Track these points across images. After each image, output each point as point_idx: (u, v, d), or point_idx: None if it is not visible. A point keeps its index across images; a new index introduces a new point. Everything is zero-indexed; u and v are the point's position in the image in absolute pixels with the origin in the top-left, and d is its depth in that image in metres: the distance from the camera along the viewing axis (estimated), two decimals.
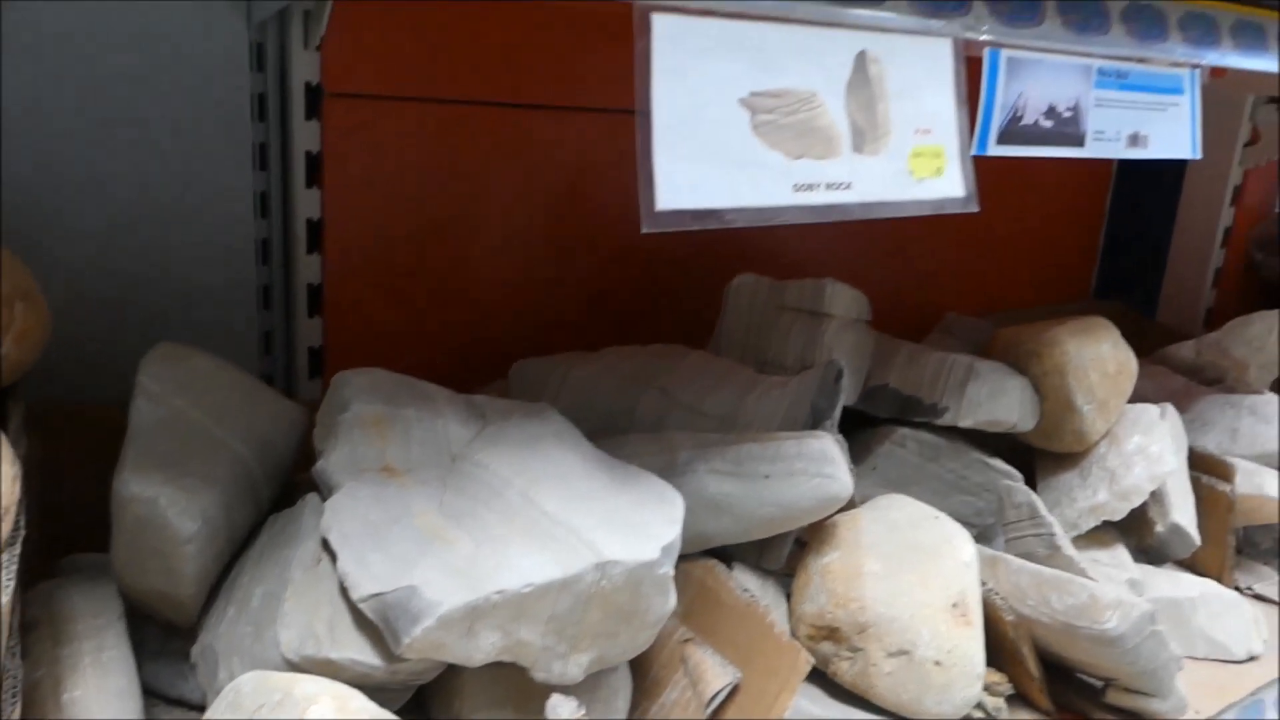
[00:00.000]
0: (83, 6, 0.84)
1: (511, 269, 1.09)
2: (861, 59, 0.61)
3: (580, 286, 1.13)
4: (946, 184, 0.65)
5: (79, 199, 0.88)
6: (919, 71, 0.63)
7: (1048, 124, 0.72)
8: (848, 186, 0.61)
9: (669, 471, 0.76)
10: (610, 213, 1.12)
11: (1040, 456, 1.09)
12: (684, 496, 0.74)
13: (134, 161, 0.89)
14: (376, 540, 0.62)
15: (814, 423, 0.81)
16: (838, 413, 0.82)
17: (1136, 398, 1.27)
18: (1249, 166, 1.58)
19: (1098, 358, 1.03)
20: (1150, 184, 1.64)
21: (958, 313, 1.37)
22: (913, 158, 0.63)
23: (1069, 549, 0.87)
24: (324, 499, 0.67)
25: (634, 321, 1.17)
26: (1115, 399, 1.05)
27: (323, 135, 0.95)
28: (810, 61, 0.59)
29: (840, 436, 0.86)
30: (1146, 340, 1.50)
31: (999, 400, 0.96)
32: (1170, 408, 1.10)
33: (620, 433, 0.87)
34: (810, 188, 0.59)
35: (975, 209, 0.66)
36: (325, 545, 0.63)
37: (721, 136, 0.56)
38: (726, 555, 0.80)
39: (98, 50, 0.85)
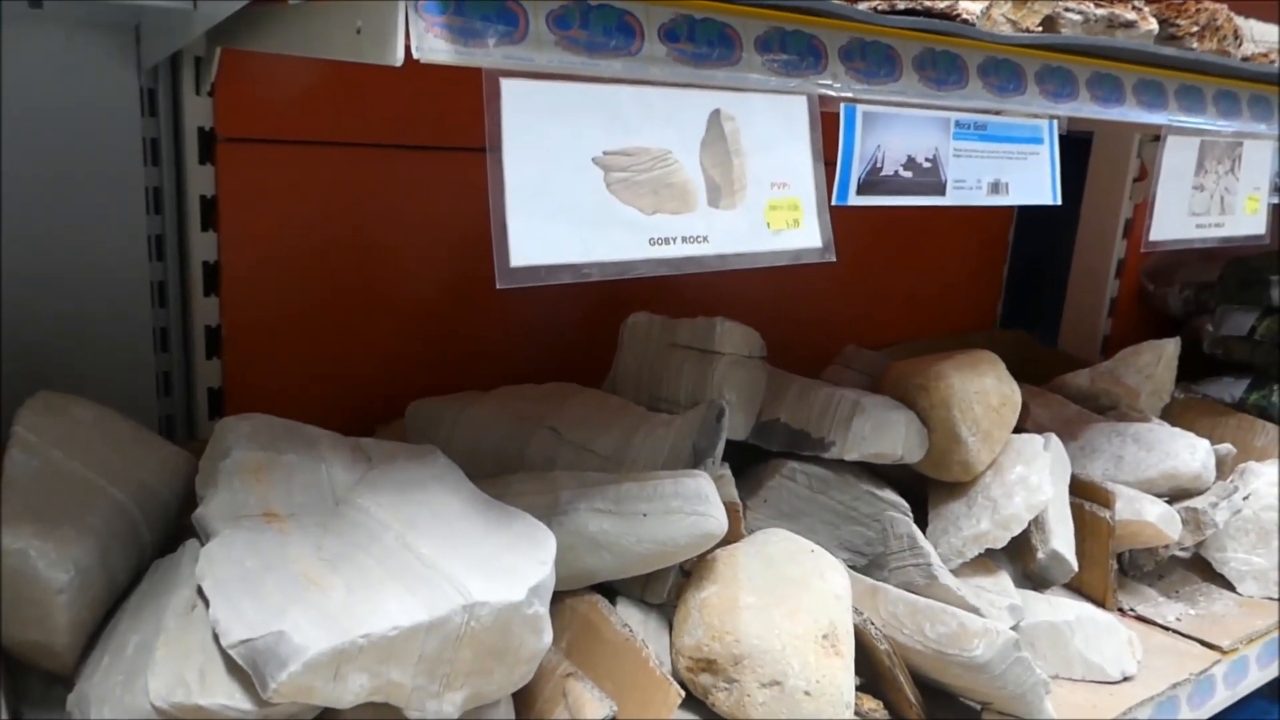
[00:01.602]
0: None
1: (411, 309, 1.10)
2: (716, 117, 0.64)
3: (479, 325, 1.15)
4: (803, 235, 0.68)
5: None
6: (775, 127, 0.67)
7: (907, 174, 0.76)
8: (704, 239, 0.64)
9: (551, 511, 0.78)
10: None
11: (932, 486, 1.13)
12: (565, 535, 0.76)
13: (26, 205, 0.89)
14: (250, 587, 0.63)
15: (695, 461, 0.84)
16: (718, 451, 0.84)
17: (1033, 425, 1.32)
18: (1138, 201, 1.66)
19: (982, 391, 1.08)
20: (1051, 217, 1.70)
21: (861, 344, 1.42)
22: (769, 210, 0.67)
23: (945, 578, 0.91)
24: (203, 545, 0.68)
25: (534, 360, 1.19)
26: (999, 430, 1.09)
27: (217, 179, 0.96)
28: (664, 121, 0.62)
29: (726, 472, 0.89)
30: (1047, 368, 1.56)
31: (884, 434, 1.00)
32: (1054, 438, 1.14)
33: (511, 472, 0.89)
34: (666, 241, 0.62)
35: (832, 259, 0.70)
36: (200, 592, 0.63)
37: (575, 194, 0.58)
38: (611, 589, 0.82)
39: None
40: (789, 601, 0.76)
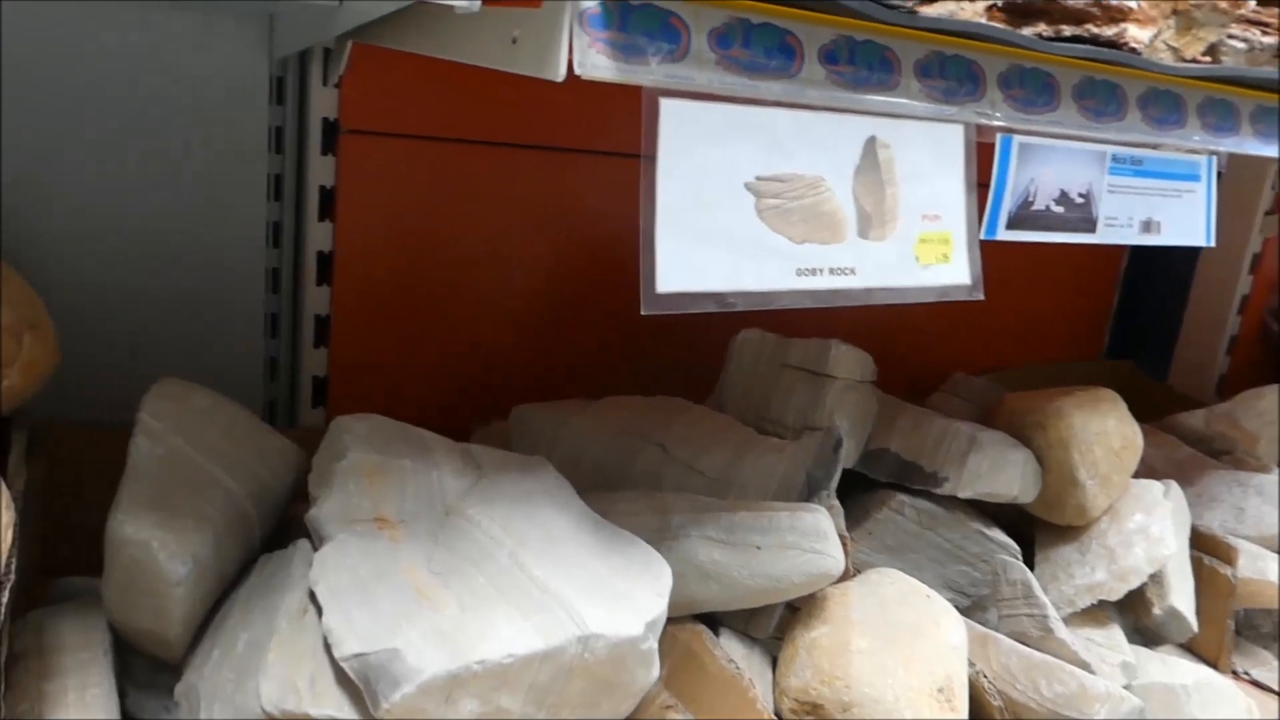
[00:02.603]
0: (110, 34, 0.85)
1: (518, 310, 1.09)
2: (871, 144, 0.61)
3: (586, 331, 1.13)
4: (952, 271, 0.65)
5: (95, 222, 0.89)
6: (929, 156, 0.63)
7: (1059, 209, 0.72)
8: (852, 272, 0.61)
9: (660, 534, 0.76)
10: (620, 258, 1.12)
11: (1041, 527, 1.08)
12: (674, 561, 0.74)
13: (150, 187, 0.90)
14: (363, 596, 0.62)
15: (809, 493, 0.81)
16: (834, 484, 0.81)
17: (1143, 465, 1.26)
18: (1270, 235, 1.57)
19: (1103, 432, 1.03)
20: (1167, 251, 1.62)
21: (965, 370, 1.37)
22: (919, 243, 0.63)
23: (1062, 632, 0.86)
24: (315, 548, 0.67)
25: (638, 369, 1.17)
26: (1119, 475, 1.04)
27: (337, 170, 0.95)
28: (819, 146, 0.59)
29: (836, 503, 0.86)
30: (1156, 404, 1.49)
31: (1000, 473, 0.96)
32: (1175, 486, 1.09)
33: (615, 487, 0.87)
34: (814, 272, 0.59)
35: (980, 297, 0.66)
36: (312, 597, 0.63)
37: (726, 220, 0.56)
38: (714, 619, 0.80)
39: (121, 77, 0.86)
40: (904, 649, 0.73)
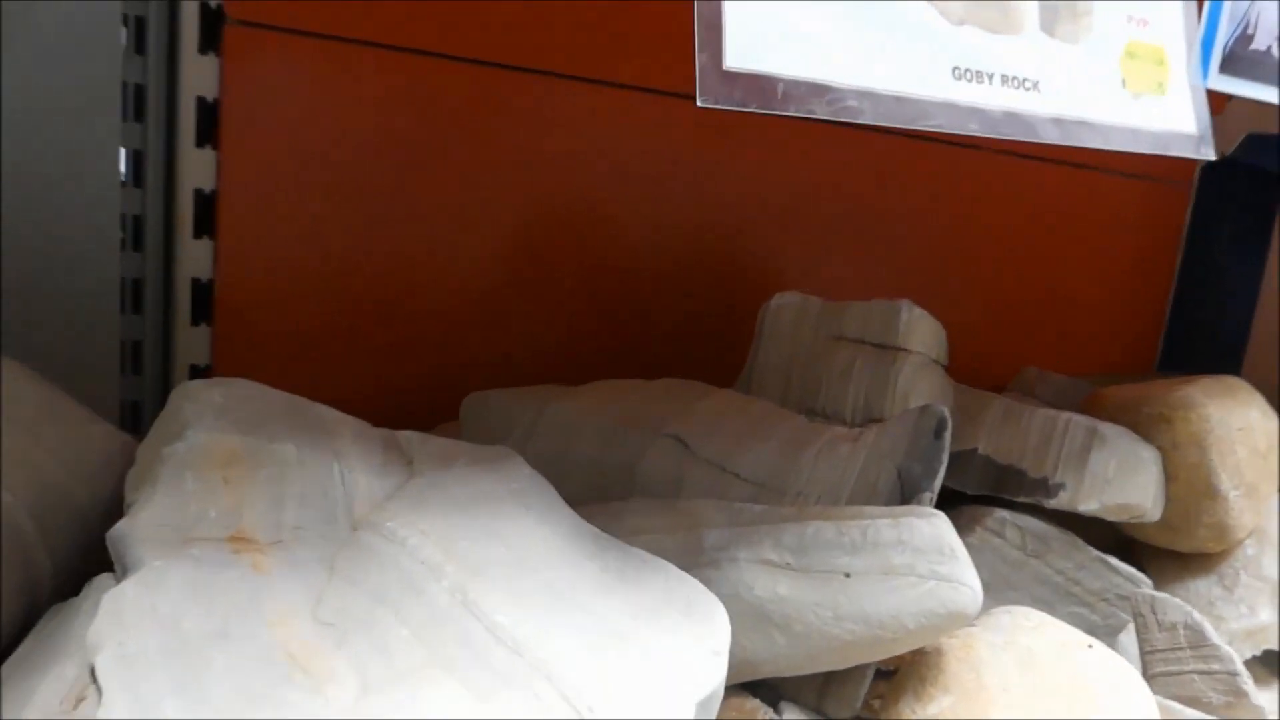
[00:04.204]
0: None
1: (475, 273, 0.83)
2: None
3: (565, 301, 0.87)
4: (1171, 109, 0.40)
5: None
6: None
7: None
8: (1034, 85, 0.36)
9: (691, 557, 0.49)
10: (605, 211, 0.87)
11: (1151, 556, 0.83)
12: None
13: None
14: (186, 670, 0.34)
15: (903, 498, 0.55)
16: (938, 482, 0.56)
17: None
18: None
19: (1246, 428, 0.78)
20: (1230, 243, 1.41)
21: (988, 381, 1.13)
22: (1126, 59, 0.39)
23: (1256, 696, 0.60)
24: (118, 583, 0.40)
25: (633, 351, 0.90)
26: (1266, 484, 0.79)
27: (221, 76, 0.69)
28: None
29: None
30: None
31: (1132, 477, 0.70)
32: None
33: (615, 496, 0.61)
34: (979, 77, 0.34)
35: (1211, 155, 0.41)
36: (92, 675, 0.35)
37: None
38: (773, 687, 0.53)
39: None
40: None
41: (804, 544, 0.48)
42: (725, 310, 0.82)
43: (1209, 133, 0.42)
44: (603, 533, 0.46)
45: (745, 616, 0.48)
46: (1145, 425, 0.79)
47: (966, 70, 0.34)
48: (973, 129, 0.34)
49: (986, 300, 1.23)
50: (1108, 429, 0.73)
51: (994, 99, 0.35)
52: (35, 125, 0.66)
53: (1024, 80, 0.36)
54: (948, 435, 0.56)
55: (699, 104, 0.28)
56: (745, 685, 0.52)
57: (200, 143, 0.70)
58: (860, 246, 1.02)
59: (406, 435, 0.51)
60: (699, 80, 0.28)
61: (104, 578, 0.41)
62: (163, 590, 0.37)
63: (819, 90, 0.30)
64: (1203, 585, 0.79)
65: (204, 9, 0.69)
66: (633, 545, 0.51)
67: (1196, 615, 0.65)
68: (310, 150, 0.74)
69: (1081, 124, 0.37)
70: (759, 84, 0.29)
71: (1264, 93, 0.48)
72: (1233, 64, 0.47)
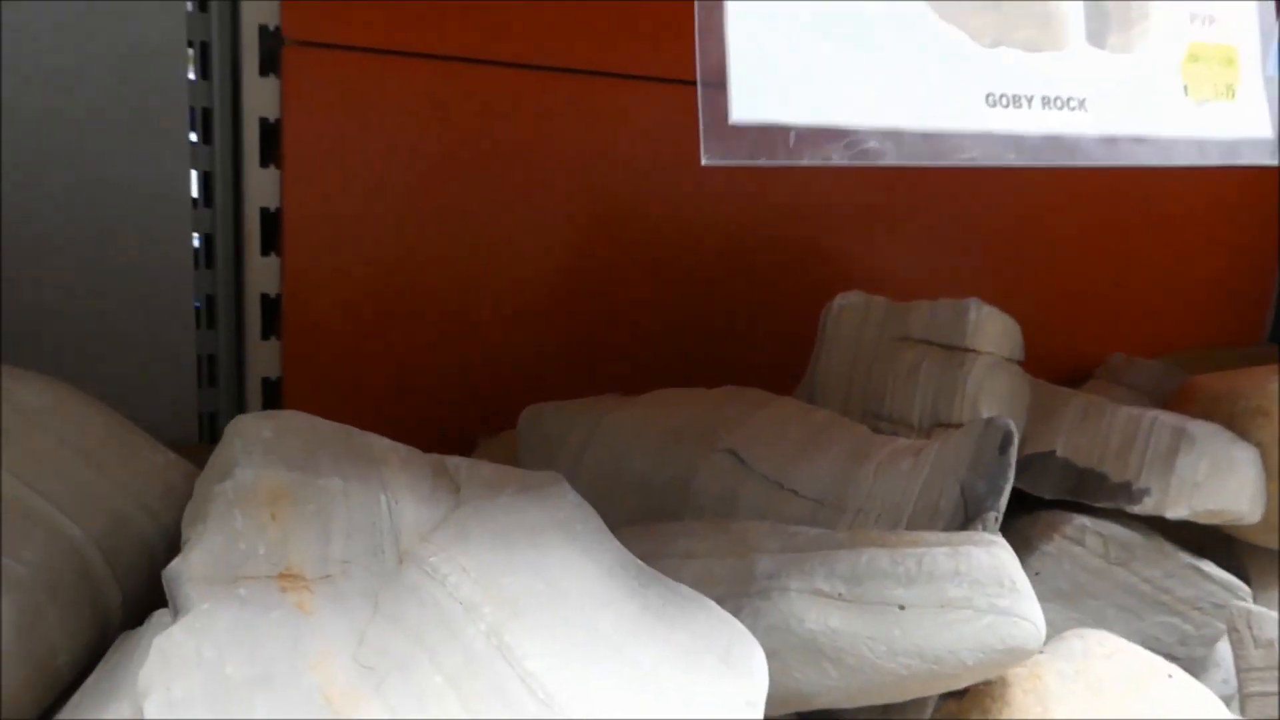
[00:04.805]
0: None
1: (537, 281, 0.83)
2: None
3: (625, 309, 0.86)
4: (1242, 113, 0.37)
5: None
6: None
7: None
8: (1080, 105, 0.33)
9: (742, 586, 0.48)
10: (665, 212, 0.85)
11: (1251, 555, 0.78)
12: (764, 631, 0.46)
13: (36, 131, 0.66)
14: (228, 716, 0.35)
15: (967, 515, 0.53)
16: (1004, 501, 0.53)
17: None
18: None
19: None
20: None
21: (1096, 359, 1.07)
22: (1188, 62, 0.35)
23: None
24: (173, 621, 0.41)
25: (693, 358, 0.89)
26: None
27: (282, 96, 0.71)
28: None
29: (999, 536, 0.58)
30: None
31: (1225, 480, 0.66)
32: None
33: (670, 513, 0.60)
34: (1016, 101, 0.32)
35: None
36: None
37: None
38: (830, 713, 0.52)
39: None
40: None
41: (857, 573, 0.47)
42: (790, 311, 0.80)
43: None
44: (646, 565, 0.46)
45: (797, 649, 0.47)
46: (1242, 419, 0.75)
47: (1002, 95, 0.32)
48: (1011, 160, 0.31)
49: (1084, 281, 1.17)
50: (1198, 428, 0.69)
51: (1034, 123, 0.32)
52: (110, 150, 0.69)
53: (1068, 100, 0.33)
54: (1014, 450, 0.54)
55: (704, 163, 0.27)
56: (802, 715, 0.51)
57: (264, 162, 0.72)
58: (936, 237, 0.98)
59: (455, 461, 0.52)
60: (703, 138, 0.27)
61: (162, 613, 0.42)
62: (209, 635, 0.38)
63: (836, 135, 0.29)
64: None
65: (263, 31, 0.70)
66: (683, 570, 0.50)
67: None
68: (370, 165, 0.75)
69: (1137, 141, 0.34)
70: (769, 135, 0.28)
71: None
72: None
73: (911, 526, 0.54)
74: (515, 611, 0.40)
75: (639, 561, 0.46)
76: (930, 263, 0.99)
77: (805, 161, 0.28)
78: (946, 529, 0.53)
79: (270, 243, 0.73)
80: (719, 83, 0.27)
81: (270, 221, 0.73)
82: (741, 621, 0.46)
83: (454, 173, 0.77)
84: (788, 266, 0.90)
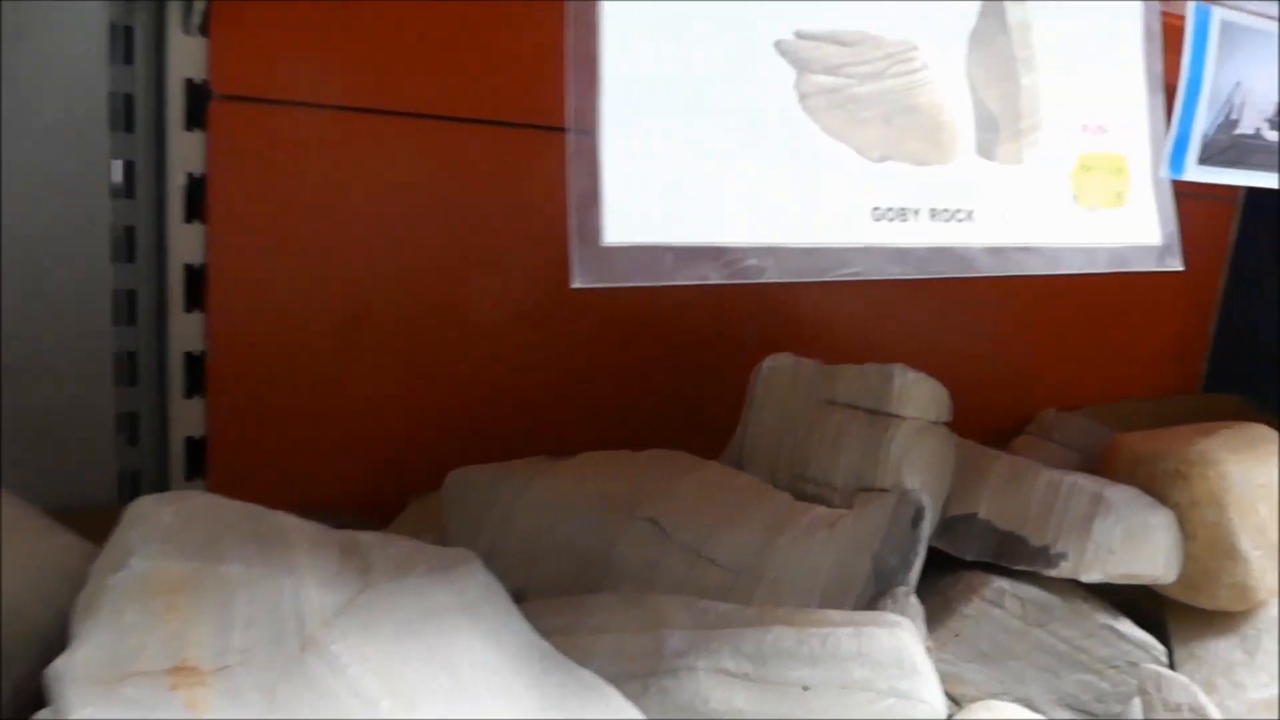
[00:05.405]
0: None
1: (467, 338, 0.82)
2: None
3: (557, 365, 0.86)
4: (1131, 220, 0.38)
5: None
6: (1088, 25, 0.37)
7: (1272, 135, 0.45)
8: (968, 215, 0.34)
9: (651, 664, 0.48)
10: None
11: (1173, 609, 0.80)
12: (673, 710, 0.46)
13: None
14: None
15: (878, 589, 0.53)
16: (915, 575, 0.54)
17: None
18: None
19: (1268, 484, 0.75)
20: (1272, 258, 1.35)
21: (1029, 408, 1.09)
22: (1079, 171, 0.36)
23: None
24: None
25: (626, 417, 0.89)
26: None
27: (208, 151, 0.70)
28: None
29: (915, 600, 0.58)
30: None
31: (1140, 546, 0.68)
32: None
33: (592, 580, 0.60)
34: (903, 214, 0.32)
35: (1178, 266, 0.39)
36: None
37: (738, 109, 0.29)
38: None
39: None
40: None
41: (763, 653, 0.47)
42: (721, 370, 0.80)
43: (1175, 240, 0.39)
44: (551, 649, 0.45)
45: None
46: (1162, 481, 0.76)
47: (889, 209, 0.32)
48: (895, 273, 0.32)
49: (1023, 327, 1.19)
50: (1115, 493, 0.70)
51: (921, 235, 0.33)
52: (29, 202, 0.67)
53: (955, 212, 0.34)
54: (925, 525, 0.54)
55: (573, 286, 0.27)
56: None
57: (189, 218, 0.71)
58: (868, 296, 0.99)
59: (367, 538, 0.51)
60: (573, 261, 0.27)
61: (43, 715, 0.41)
62: None
63: (713, 253, 0.29)
64: (1223, 647, 0.75)
65: (189, 85, 0.69)
66: (596, 645, 0.50)
67: (1202, 697, 0.62)
68: (297, 219, 0.74)
69: (1024, 250, 0.35)
70: (644, 255, 0.28)
71: (1252, 179, 0.45)
72: (1217, 151, 0.44)
73: (824, 598, 0.55)
74: (412, 704, 0.40)
75: (545, 645, 0.46)
76: (863, 321, 1.00)
77: (681, 281, 0.29)
78: (858, 602, 0.53)
79: (195, 299, 0.72)
80: (592, 204, 0.27)
81: (195, 277, 0.72)
82: (650, 700, 0.46)
83: (381, 227, 0.77)
84: (720, 326, 0.90)
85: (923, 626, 0.60)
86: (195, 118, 0.70)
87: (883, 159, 0.32)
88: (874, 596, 0.53)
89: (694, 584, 0.57)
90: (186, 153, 0.70)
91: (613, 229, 0.27)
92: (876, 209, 0.32)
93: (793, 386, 0.72)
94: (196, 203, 0.71)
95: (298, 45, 0.71)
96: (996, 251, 0.34)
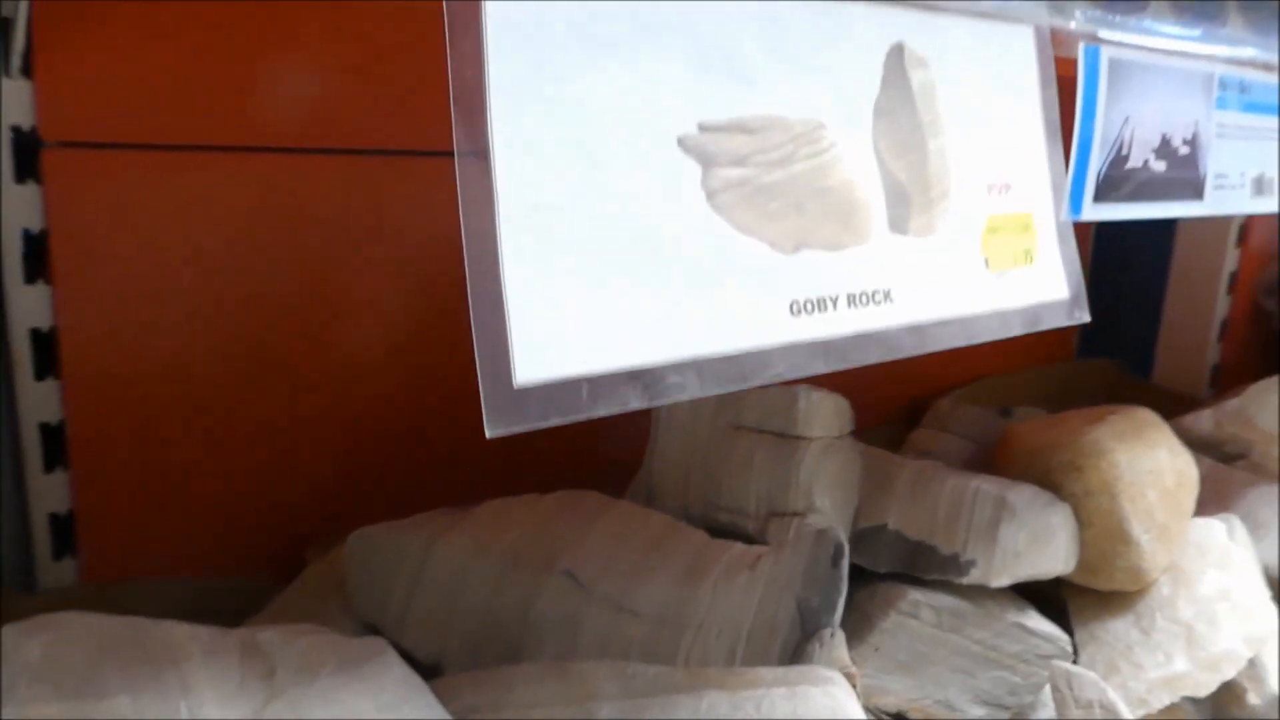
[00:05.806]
0: None
1: (344, 382, 0.78)
2: (898, 58, 0.33)
3: (446, 407, 0.82)
4: (1041, 278, 0.37)
5: None
6: (988, 80, 0.36)
7: (1159, 166, 0.45)
8: (886, 296, 0.33)
9: None
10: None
11: (1073, 591, 0.82)
12: None
13: None
14: None
15: (803, 630, 0.53)
16: (838, 615, 0.53)
17: None
18: None
19: (1155, 470, 0.78)
20: (1139, 224, 1.41)
21: (912, 385, 1.12)
22: (988, 237, 0.36)
23: None
24: None
25: (525, 457, 0.87)
26: (1177, 522, 0.79)
27: (45, 205, 0.63)
28: (809, 63, 0.31)
29: (839, 634, 0.58)
30: (1145, 407, 1.27)
31: (1044, 547, 0.69)
32: (1237, 522, 0.85)
33: (511, 641, 0.58)
34: (820, 305, 0.31)
35: (1085, 318, 0.39)
36: None
37: (645, 220, 0.27)
38: None
39: None
40: None
41: (698, 717, 0.46)
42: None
43: (1081, 291, 0.39)
44: None
45: None
46: (1057, 473, 0.78)
47: (806, 301, 0.31)
48: (819, 368, 0.31)
49: None
50: (1017, 496, 0.71)
51: (841, 324, 0.31)
52: None
53: (873, 294, 0.32)
54: (845, 563, 0.54)
55: (488, 435, 0.25)
56: None
57: (30, 279, 0.64)
58: None
59: (267, 636, 0.47)
60: (486, 407, 0.24)
61: None
62: None
63: (631, 377, 0.27)
64: (1121, 628, 0.78)
65: (17, 133, 0.63)
66: None
67: (1111, 694, 0.64)
68: (150, 270, 0.68)
69: (941, 324, 0.34)
70: (559, 392, 0.26)
71: (1146, 210, 0.46)
72: (1111, 188, 0.44)
73: (750, 643, 0.54)
74: None
75: None
76: None
77: (601, 412, 0.26)
78: (784, 646, 0.53)
79: (46, 366, 0.66)
80: (500, 342, 0.25)
81: (44, 342, 0.65)
82: None
83: (243, 268, 0.71)
84: None
85: (845, 652, 0.59)
86: (27, 169, 0.63)
87: (797, 249, 0.31)
88: (801, 640, 0.53)
89: (618, 638, 0.56)
90: (21, 207, 0.64)
91: (524, 368, 0.25)
92: (794, 303, 0.30)
93: (697, 412, 0.71)
94: (37, 262, 0.65)
95: (132, 83, 0.65)
96: (915, 330, 0.33)
